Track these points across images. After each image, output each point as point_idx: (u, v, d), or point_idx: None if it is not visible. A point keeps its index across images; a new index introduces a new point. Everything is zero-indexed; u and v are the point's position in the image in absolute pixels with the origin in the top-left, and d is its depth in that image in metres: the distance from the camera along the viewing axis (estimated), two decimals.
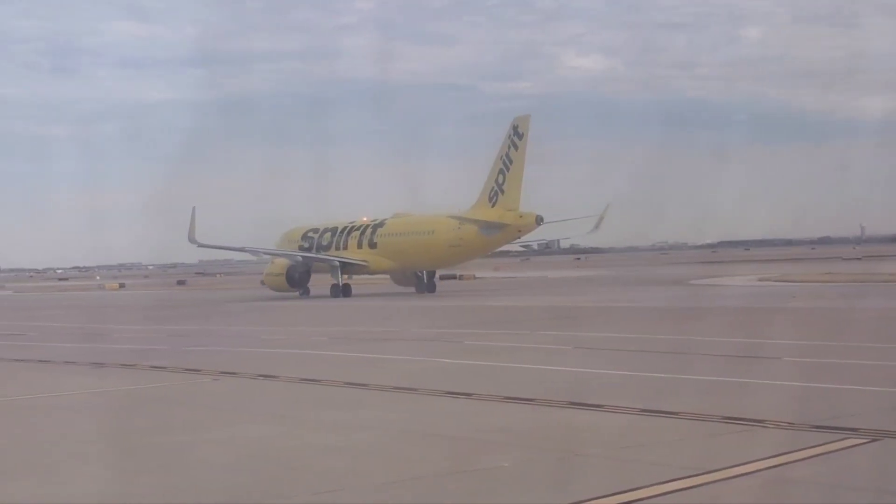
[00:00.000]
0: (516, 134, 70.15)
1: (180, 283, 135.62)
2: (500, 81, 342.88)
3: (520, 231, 72.36)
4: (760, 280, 76.75)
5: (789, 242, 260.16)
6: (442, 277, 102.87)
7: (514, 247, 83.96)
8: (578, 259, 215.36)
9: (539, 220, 71.45)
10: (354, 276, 79.09)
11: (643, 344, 29.17)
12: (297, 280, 75.76)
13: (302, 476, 12.80)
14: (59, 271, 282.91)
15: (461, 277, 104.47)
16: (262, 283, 79.50)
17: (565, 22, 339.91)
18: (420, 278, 76.89)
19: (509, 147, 70.13)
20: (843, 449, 13.21)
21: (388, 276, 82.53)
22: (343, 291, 73.90)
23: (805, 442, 13.59)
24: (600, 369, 23.00)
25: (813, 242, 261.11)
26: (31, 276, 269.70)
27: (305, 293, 76.46)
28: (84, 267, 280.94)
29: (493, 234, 71.45)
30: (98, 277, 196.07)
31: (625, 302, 53.62)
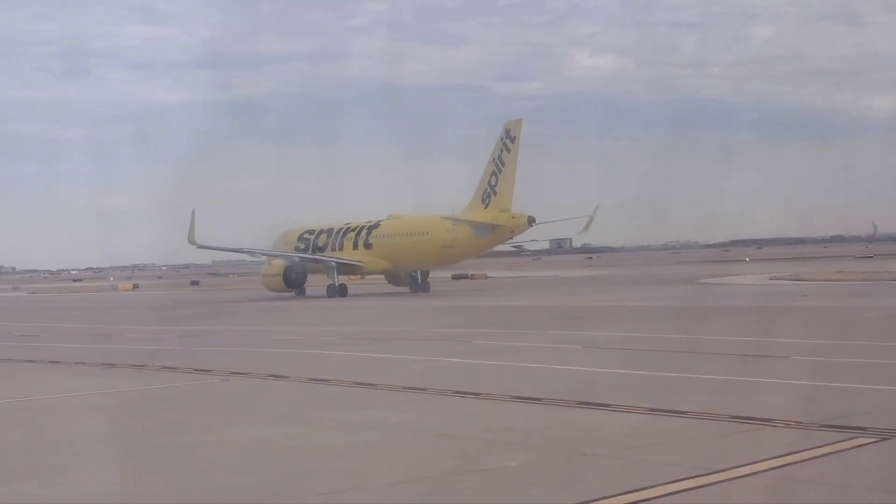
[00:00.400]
0: (508, 137, 71.81)
1: (193, 283, 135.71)
2: (512, 82, 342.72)
3: (512, 232, 73.96)
4: (772, 279, 76.50)
5: (801, 241, 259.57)
6: (454, 277, 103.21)
7: (507, 247, 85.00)
8: (590, 258, 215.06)
9: (531, 221, 72.79)
10: (351, 277, 79.81)
11: (653, 343, 29.12)
12: (293, 280, 76.95)
13: (310, 476, 12.81)
14: (74, 272, 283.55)
15: (473, 277, 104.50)
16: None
17: (577, 22, 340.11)
18: (414, 278, 77.80)
19: (502, 150, 71.76)
20: (852, 448, 13.16)
21: (379, 276, 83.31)
22: (339, 291, 74.60)
23: (814, 441, 13.54)
24: (609, 368, 22.96)
25: (825, 241, 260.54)
26: (46, 278, 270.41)
27: (301, 293, 77.39)
28: (98, 268, 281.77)
29: (486, 235, 72.87)
30: (112, 278, 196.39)
31: (635, 301, 53.51)
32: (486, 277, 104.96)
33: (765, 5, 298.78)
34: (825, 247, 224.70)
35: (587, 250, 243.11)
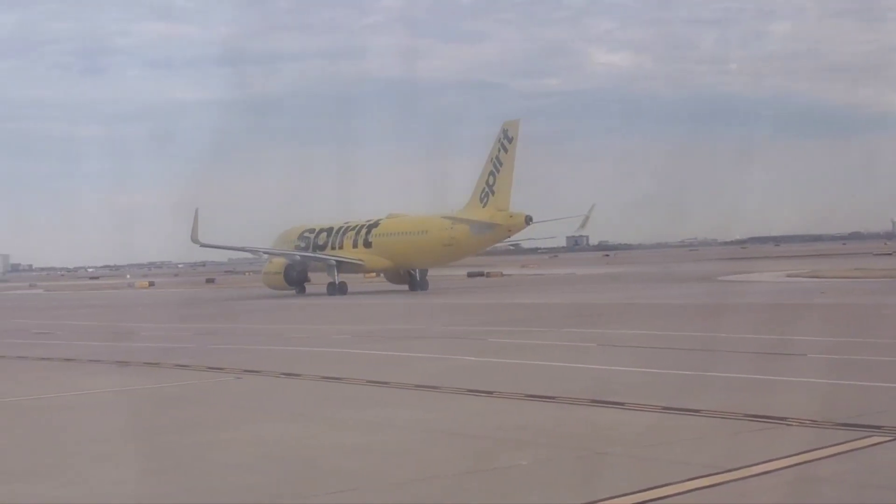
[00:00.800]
0: (506, 138, 73.28)
1: (209, 281, 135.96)
2: (530, 78, 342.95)
3: (510, 231, 75.62)
4: (789, 276, 76.17)
5: (819, 238, 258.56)
6: (469, 275, 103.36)
7: (504, 245, 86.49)
8: (607, 255, 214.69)
9: (528, 220, 74.09)
10: (350, 275, 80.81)
11: (668, 341, 28.95)
12: (294, 278, 77.97)
13: (321, 475, 12.75)
14: (91, 270, 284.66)
15: (489, 275, 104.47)
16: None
17: (595, 18, 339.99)
18: (413, 276, 78.60)
19: (499, 150, 73.18)
20: (867, 447, 13.03)
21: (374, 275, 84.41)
22: (339, 289, 75.27)
23: (829, 440, 13.41)
24: (624, 367, 22.85)
25: (844, 238, 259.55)
26: (63, 275, 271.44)
27: (302, 291, 78.24)
28: (115, 266, 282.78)
29: (484, 234, 74.41)
30: (128, 276, 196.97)
31: (651, 298, 53.33)
32: (502, 275, 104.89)
33: (783, 1, 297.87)
34: (843, 243, 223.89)
35: (604, 247, 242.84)
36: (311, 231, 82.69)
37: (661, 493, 10.98)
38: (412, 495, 11.62)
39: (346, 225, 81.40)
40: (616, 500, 10.82)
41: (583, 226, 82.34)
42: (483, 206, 73.33)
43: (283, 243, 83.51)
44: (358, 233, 79.72)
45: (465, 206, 75.57)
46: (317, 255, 79.03)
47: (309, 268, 79.40)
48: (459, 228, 73.95)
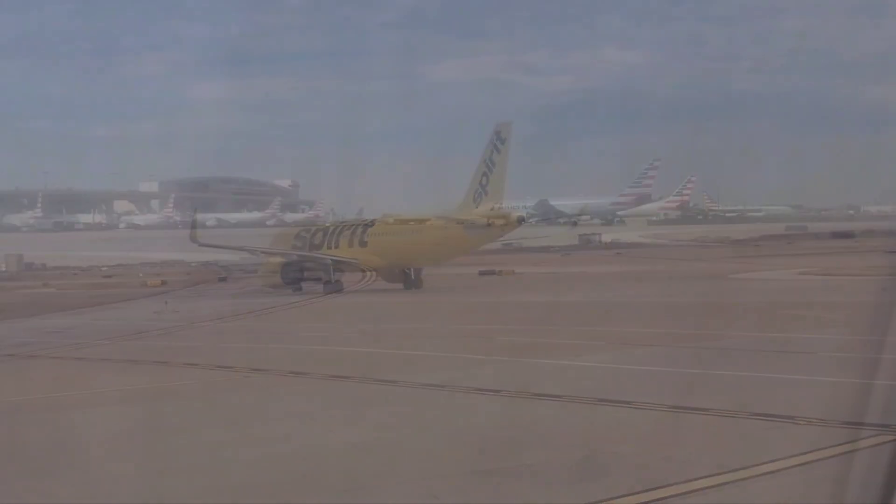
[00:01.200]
0: (499, 139, 74.86)
1: (221, 279, 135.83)
2: (542, 76, 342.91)
3: (503, 230, 76.72)
4: (801, 273, 75.83)
5: (832, 235, 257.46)
6: (481, 273, 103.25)
7: (497, 244, 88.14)
8: (619, 254, 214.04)
9: (521, 220, 75.99)
10: (347, 273, 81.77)
11: (677, 340, 28.81)
12: (291, 277, 78.58)
13: (327, 474, 12.80)
14: (104, 269, 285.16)
15: (501, 273, 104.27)
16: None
17: (608, 15, 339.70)
18: (408, 275, 79.51)
19: (492, 151, 74.59)
20: (873, 446, 12.97)
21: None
22: (335, 288, 76.04)
23: (835, 439, 13.37)
24: (631, 365, 22.81)
25: (856, 235, 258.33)
26: (76, 274, 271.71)
27: (298, 290, 79.00)
28: (128, 264, 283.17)
29: (478, 234, 75.97)
30: (141, 274, 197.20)
31: (660, 296, 53.12)
32: (514, 273, 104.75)
33: None
34: (856, 241, 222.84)
35: (616, 245, 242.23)
36: (308, 231, 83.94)
37: (669, 493, 10.98)
38: (419, 494, 11.64)
39: (342, 224, 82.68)
40: (623, 499, 10.82)
41: (575, 225, 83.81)
42: (476, 206, 74.79)
43: (280, 243, 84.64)
44: (353, 232, 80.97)
45: (459, 206, 77.04)
46: (313, 255, 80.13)
47: (305, 267, 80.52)
48: (453, 228, 75.38)
